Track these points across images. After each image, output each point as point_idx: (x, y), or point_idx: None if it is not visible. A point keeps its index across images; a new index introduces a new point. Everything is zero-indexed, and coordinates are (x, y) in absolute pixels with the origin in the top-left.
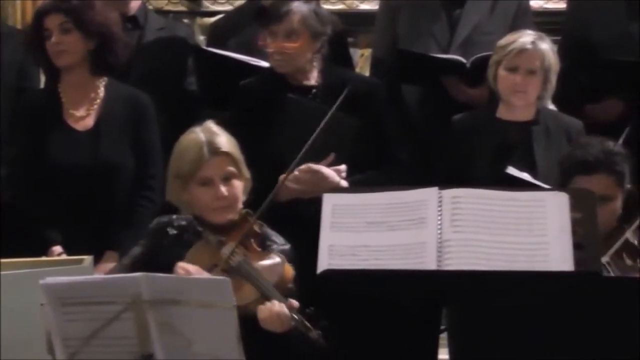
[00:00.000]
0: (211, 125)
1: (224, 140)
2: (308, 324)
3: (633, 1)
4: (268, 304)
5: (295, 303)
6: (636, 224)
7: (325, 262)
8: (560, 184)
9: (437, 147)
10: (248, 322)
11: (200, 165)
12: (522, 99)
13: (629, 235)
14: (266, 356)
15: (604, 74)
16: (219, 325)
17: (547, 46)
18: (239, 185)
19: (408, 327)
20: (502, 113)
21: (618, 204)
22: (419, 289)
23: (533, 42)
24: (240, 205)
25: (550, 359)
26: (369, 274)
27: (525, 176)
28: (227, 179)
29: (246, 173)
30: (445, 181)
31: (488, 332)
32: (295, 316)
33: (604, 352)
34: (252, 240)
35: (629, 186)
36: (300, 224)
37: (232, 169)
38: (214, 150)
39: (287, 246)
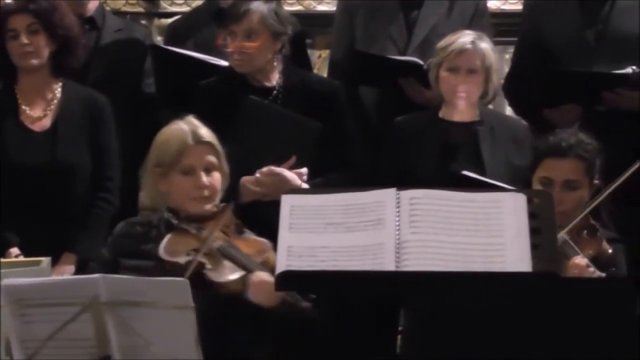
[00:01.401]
0: (192, 118)
1: (207, 131)
2: (298, 296)
3: (587, 6)
4: (259, 273)
5: None
6: (598, 200)
7: (283, 263)
8: (530, 169)
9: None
10: (234, 302)
11: (184, 153)
12: (464, 100)
13: (589, 217)
14: (252, 335)
15: (560, 80)
16: (177, 327)
17: (487, 45)
18: (218, 178)
19: (365, 327)
20: (446, 114)
21: (584, 194)
22: (377, 290)
23: (472, 42)
24: (218, 199)
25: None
26: (328, 275)
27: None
28: (208, 169)
29: (226, 168)
30: (389, 183)
31: (446, 333)
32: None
33: (561, 352)
34: (231, 227)
35: (597, 181)
36: (261, 226)
37: (214, 159)
38: (198, 139)
39: (268, 241)
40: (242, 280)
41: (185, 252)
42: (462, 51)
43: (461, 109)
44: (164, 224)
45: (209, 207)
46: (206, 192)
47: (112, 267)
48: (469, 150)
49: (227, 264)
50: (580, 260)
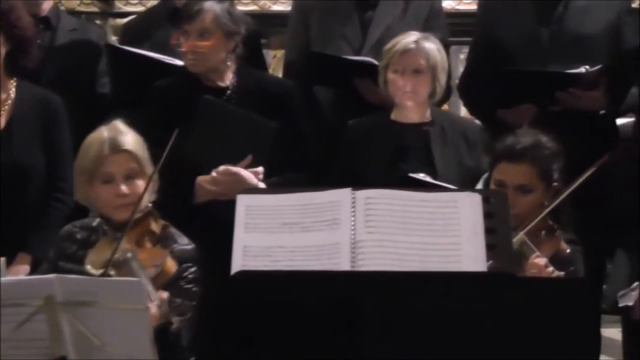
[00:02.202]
0: (117, 123)
1: (128, 139)
2: (174, 318)
3: (542, 6)
4: None
5: (163, 294)
6: (556, 202)
7: (239, 263)
8: (489, 169)
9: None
10: None
11: (101, 162)
12: (412, 100)
13: (547, 213)
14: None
15: (514, 80)
16: (132, 327)
17: (431, 45)
18: (140, 184)
19: (321, 327)
20: (397, 115)
21: (539, 197)
22: (333, 290)
23: (416, 42)
24: (143, 205)
25: (463, 359)
26: (283, 275)
27: (422, 176)
28: (129, 177)
29: (150, 171)
30: (341, 185)
31: (401, 333)
32: (162, 308)
33: (517, 352)
34: (147, 237)
35: (556, 184)
36: (217, 225)
37: (134, 166)
38: (115, 147)
39: (190, 247)
40: None
41: (102, 264)
42: (405, 52)
43: (410, 109)
44: (101, 230)
45: (131, 214)
46: (127, 200)
47: (53, 268)
48: (420, 152)
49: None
50: (539, 259)
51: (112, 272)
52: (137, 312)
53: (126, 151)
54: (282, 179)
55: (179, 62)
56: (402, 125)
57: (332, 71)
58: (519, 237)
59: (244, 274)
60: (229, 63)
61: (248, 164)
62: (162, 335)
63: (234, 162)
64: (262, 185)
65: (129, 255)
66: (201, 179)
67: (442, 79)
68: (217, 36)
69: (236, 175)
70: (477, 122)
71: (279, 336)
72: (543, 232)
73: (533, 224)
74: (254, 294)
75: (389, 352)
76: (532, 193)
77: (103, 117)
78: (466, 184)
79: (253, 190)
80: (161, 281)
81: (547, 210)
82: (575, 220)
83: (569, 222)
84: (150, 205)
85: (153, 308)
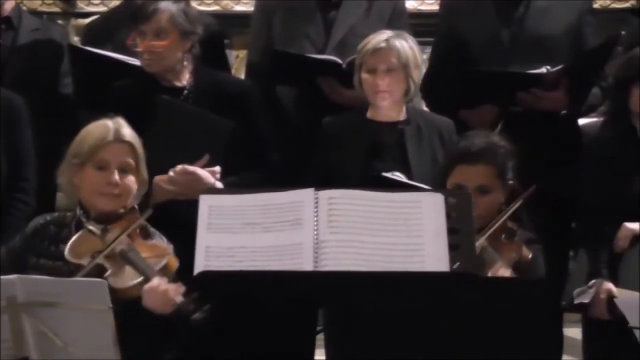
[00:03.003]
0: (120, 119)
1: (131, 132)
2: (192, 306)
3: (503, 7)
4: (154, 281)
5: (180, 287)
6: (514, 207)
7: (201, 263)
8: (443, 172)
9: (311, 149)
10: (131, 306)
11: (102, 147)
12: (385, 99)
13: (507, 221)
14: (147, 341)
15: (476, 80)
16: (95, 327)
17: (403, 43)
18: (133, 181)
19: (284, 328)
20: (373, 114)
21: (498, 197)
22: (295, 290)
23: (387, 40)
24: (129, 201)
25: (427, 359)
26: (246, 275)
27: (399, 176)
28: (124, 170)
29: (144, 173)
30: (318, 183)
31: (364, 333)
32: (181, 300)
33: (479, 352)
34: (137, 231)
35: (511, 182)
36: (176, 225)
37: (130, 161)
38: (119, 136)
39: (170, 247)
40: (139, 286)
41: (89, 253)
42: (376, 50)
43: (385, 108)
44: (75, 223)
45: (115, 205)
46: (116, 191)
47: (19, 264)
48: (395, 150)
49: (127, 269)
50: (504, 271)
51: (106, 265)
52: (99, 312)
53: (128, 143)
54: (239, 179)
55: (138, 62)
56: (377, 124)
57: (296, 70)
58: (481, 242)
59: (207, 275)
60: (185, 63)
61: (205, 163)
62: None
63: (191, 162)
64: (219, 184)
65: (127, 248)
66: (158, 178)
67: (416, 76)
68: (173, 36)
69: (193, 174)
70: (450, 120)
71: (241, 335)
72: (503, 235)
73: (493, 229)
74: (216, 294)
75: (352, 352)
76: (492, 193)
77: (66, 118)
78: (440, 181)
79: (216, 190)
80: (165, 276)
81: (506, 215)
82: (535, 218)
83: (529, 221)
84: (136, 206)
85: (169, 292)
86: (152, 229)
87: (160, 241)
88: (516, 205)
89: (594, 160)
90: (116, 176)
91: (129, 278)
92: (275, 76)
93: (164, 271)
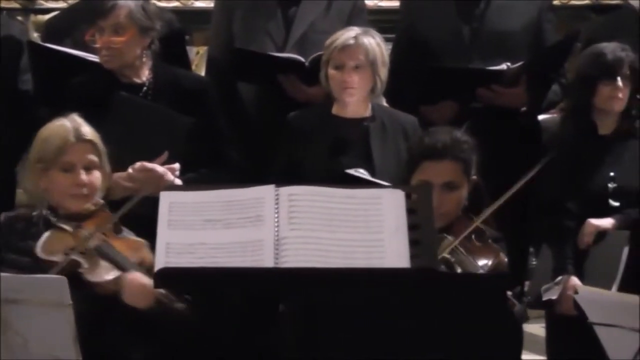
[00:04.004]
0: (76, 116)
1: (90, 130)
2: (172, 297)
3: (463, 3)
4: (133, 274)
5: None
6: (486, 214)
7: (162, 260)
8: (408, 169)
9: (273, 145)
10: (110, 302)
11: (65, 149)
12: (352, 95)
13: (479, 221)
14: (129, 336)
15: (436, 77)
16: (55, 324)
17: (371, 40)
18: (98, 176)
19: (244, 323)
20: (338, 110)
21: (464, 193)
22: (256, 287)
23: (355, 37)
24: (97, 197)
25: (387, 356)
26: (206, 272)
27: (362, 172)
28: (88, 168)
29: (107, 167)
30: (282, 179)
31: (325, 329)
32: (161, 291)
33: (440, 347)
34: (111, 227)
35: (474, 177)
36: (135, 223)
37: (94, 158)
38: (79, 136)
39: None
40: (117, 280)
41: (63, 250)
42: (344, 47)
43: (350, 104)
44: (42, 222)
45: (87, 204)
46: (85, 190)
47: None
48: (359, 147)
49: (103, 264)
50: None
51: (81, 261)
52: (59, 309)
53: (90, 141)
54: (198, 175)
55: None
56: (342, 120)
57: (257, 68)
58: (452, 245)
59: (167, 271)
60: (144, 59)
61: (164, 160)
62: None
63: (150, 159)
64: (178, 181)
65: (102, 243)
66: (117, 175)
67: (383, 73)
68: (132, 32)
69: (152, 171)
70: (414, 117)
71: (202, 332)
72: (473, 236)
73: (465, 234)
74: (177, 291)
75: (311, 349)
76: (458, 189)
77: (25, 114)
78: (405, 178)
79: (176, 187)
80: (143, 270)
81: (479, 220)
82: (497, 215)
83: (493, 218)
84: (102, 201)
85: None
86: (122, 227)
87: (133, 236)
88: (490, 210)
89: (554, 156)
90: (83, 176)
91: (106, 273)
92: (236, 74)
93: (141, 264)
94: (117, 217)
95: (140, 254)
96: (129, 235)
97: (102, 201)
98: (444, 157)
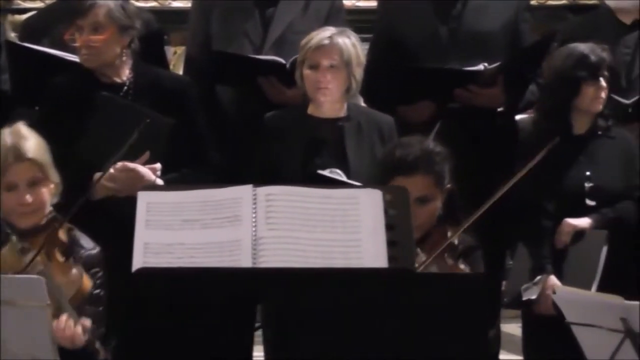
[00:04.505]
0: (20, 128)
1: (31, 145)
2: (97, 345)
3: (441, 4)
4: (62, 319)
5: (87, 323)
6: (461, 229)
7: (140, 260)
8: (380, 183)
9: (251, 145)
10: None
11: (5, 170)
12: (326, 95)
13: (452, 238)
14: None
15: (413, 77)
16: (32, 324)
17: (346, 40)
18: (45, 191)
19: (222, 324)
20: (313, 110)
21: (438, 204)
22: (234, 287)
23: (330, 37)
24: (47, 210)
25: (364, 355)
26: (184, 272)
27: (337, 173)
28: (32, 184)
29: (54, 177)
30: (259, 179)
31: (303, 329)
32: (86, 337)
33: (418, 347)
34: (56, 249)
35: (448, 186)
36: (116, 222)
37: (37, 174)
38: (19, 156)
39: (96, 250)
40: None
41: (11, 271)
42: (319, 47)
43: (325, 104)
44: (4, 236)
45: (34, 220)
46: (30, 209)
47: None
48: (334, 147)
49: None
50: None
51: None
52: (37, 309)
53: (30, 160)
54: (179, 175)
55: (79, 59)
56: (317, 120)
57: (237, 70)
58: (424, 264)
59: (145, 271)
60: (124, 58)
61: (146, 160)
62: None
63: (132, 159)
64: (159, 181)
65: (43, 276)
66: (98, 175)
67: (358, 73)
68: (111, 30)
69: (134, 171)
70: (391, 117)
71: (180, 332)
72: (445, 254)
73: (440, 250)
74: (155, 290)
75: (289, 348)
76: (432, 202)
77: (3, 114)
78: (379, 179)
79: (154, 187)
80: (78, 301)
81: (454, 236)
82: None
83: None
84: (52, 208)
85: (79, 335)
86: (77, 234)
87: (83, 253)
88: (466, 224)
89: (529, 156)
90: (27, 196)
91: None
92: (215, 77)
93: (77, 296)
94: (65, 227)
95: (75, 286)
96: (84, 243)
97: (52, 212)
98: (415, 172)
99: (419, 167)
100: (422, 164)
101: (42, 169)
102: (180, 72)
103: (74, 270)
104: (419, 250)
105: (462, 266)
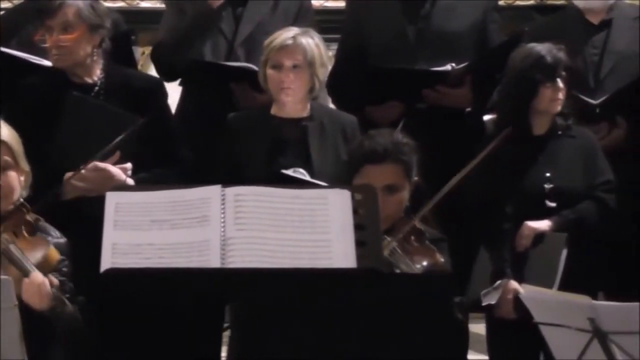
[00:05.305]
0: None
1: (4, 131)
2: (65, 300)
3: (409, 4)
4: (31, 275)
5: (55, 280)
6: (425, 210)
7: (108, 260)
8: (349, 173)
9: (216, 145)
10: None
11: None
12: (289, 96)
13: (416, 222)
14: (29, 336)
15: (381, 77)
16: (1, 325)
17: (309, 40)
18: (15, 177)
19: (190, 325)
20: (277, 110)
21: (405, 195)
22: (202, 287)
23: (293, 37)
24: (16, 197)
25: (332, 356)
26: (153, 272)
27: (301, 172)
28: (3, 168)
29: (25, 166)
30: (222, 180)
31: (271, 330)
32: (54, 291)
33: (386, 348)
34: (24, 228)
35: (416, 178)
36: (86, 222)
37: (7, 159)
38: None
39: (62, 240)
40: (19, 282)
41: None
42: (282, 47)
43: (289, 105)
44: None
45: (3, 206)
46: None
47: None
48: (298, 147)
49: (11, 267)
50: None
51: None
52: (5, 310)
53: (2, 142)
54: (150, 175)
55: (47, 63)
56: (281, 120)
57: (211, 77)
58: (391, 245)
59: (113, 272)
60: (95, 58)
61: (117, 160)
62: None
63: (102, 158)
64: (130, 181)
65: (8, 244)
66: (69, 175)
67: (321, 74)
68: (81, 29)
69: (104, 171)
70: (354, 117)
71: (148, 333)
72: (412, 237)
73: (404, 232)
74: (123, 291)
75: (257, 349)
76: (399, 192)
77: None
78: (342, 179)
79: (122, 187)
80: (46, 269)
81: (418, 215)
82: (438, 214)
83: (435, 218)
84: (22, 199)
85: (45, 286)
86: (44, 224)
87: (43, 236)
88: (428, 207)
89: (490, 157)
90: None
91: (11, 275)
92: (189, 83)
93: (42, 264)
94: (32, 216)
95: (41, 254)
96: (52, 232)
97: (21, 200)
98: (384, 160)
99: (389, 155)
100: (392, 153)
101: (14, 155)
102: (149, 72)
103: (41, 240)
104: (385, 235)
105: (434, 249)
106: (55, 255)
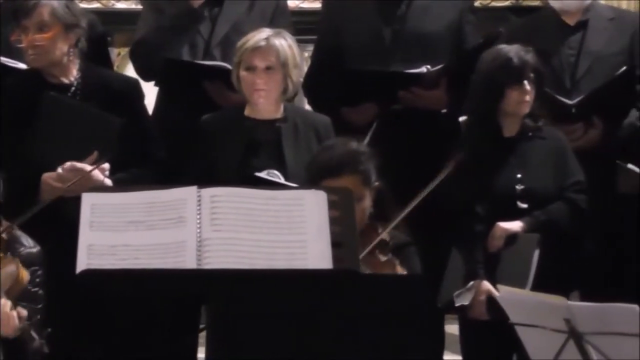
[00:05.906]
0: None
1: None
2: (33, 333)
3: (385, 5)
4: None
5: (23, 312)
6: (391, 225)
7: (84, 262)
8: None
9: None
10: None
11: None
12: (262, 97)
13: (383, 235)
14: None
15: (356, 79)
16: None
17: (282, 42)
18: None
19: (167, 325)
20: (250, 112)
21: (367, 203)
22: (178, 288)
23: (266, 39)
24: None
25: (308, 357)
26: (128, 274)
27: (275, 174)
28: None
29: None
30: (197, 180)
31: (247, 330)
32: (22, 325)
33: (362, 349)
34: None
35: (377, 183)
36: (63, 223)
37: None
38: None
39: (36, 249)
40: None
41: None
42: (255, 49)
43: (262, 106)
44: None
45: None
46: None
47: None
48: (272, 148)
49: None
50: None
51: None
52: None
53: None
54: (128, 175)
55: (22, 65)
56: (254, 121)
57: (185, 76)
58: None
59: (89, 273)
60: (71, 58)
61: (94, 160)
62: (21, 348)
63: (80, 159)
64: (108, 181)
65: None
66: (47, 176)
67: (295, 75)
68: (56, 29)
69: (82, 171)
70: (326, 117)
71: (124, 334)
72: (377, 250)
73: (371, 247)
74: (99, 292)
75: (233, 350)
76: (361, 201)
77: None
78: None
79: (99, 188)
80: (15, 292)
81: (385, 231)
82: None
83: (401, 222)
84: None
85: (14, 319)
86: (17, 233)
87: (22, 251)
88: (395, 222)
89: (460, 160)
90: None
91: None
92: (165, 82)
93: (14, 288)
94: (15, 226)
95: (10, 278)
96: (25, 241)
97: None
98: (341, 173)
99: (344, 167)
100: (347, 164)
101: None
102: (125, 73)
103: (11, 264)
104: None
105: (396, 262)
106: (24, 277)
